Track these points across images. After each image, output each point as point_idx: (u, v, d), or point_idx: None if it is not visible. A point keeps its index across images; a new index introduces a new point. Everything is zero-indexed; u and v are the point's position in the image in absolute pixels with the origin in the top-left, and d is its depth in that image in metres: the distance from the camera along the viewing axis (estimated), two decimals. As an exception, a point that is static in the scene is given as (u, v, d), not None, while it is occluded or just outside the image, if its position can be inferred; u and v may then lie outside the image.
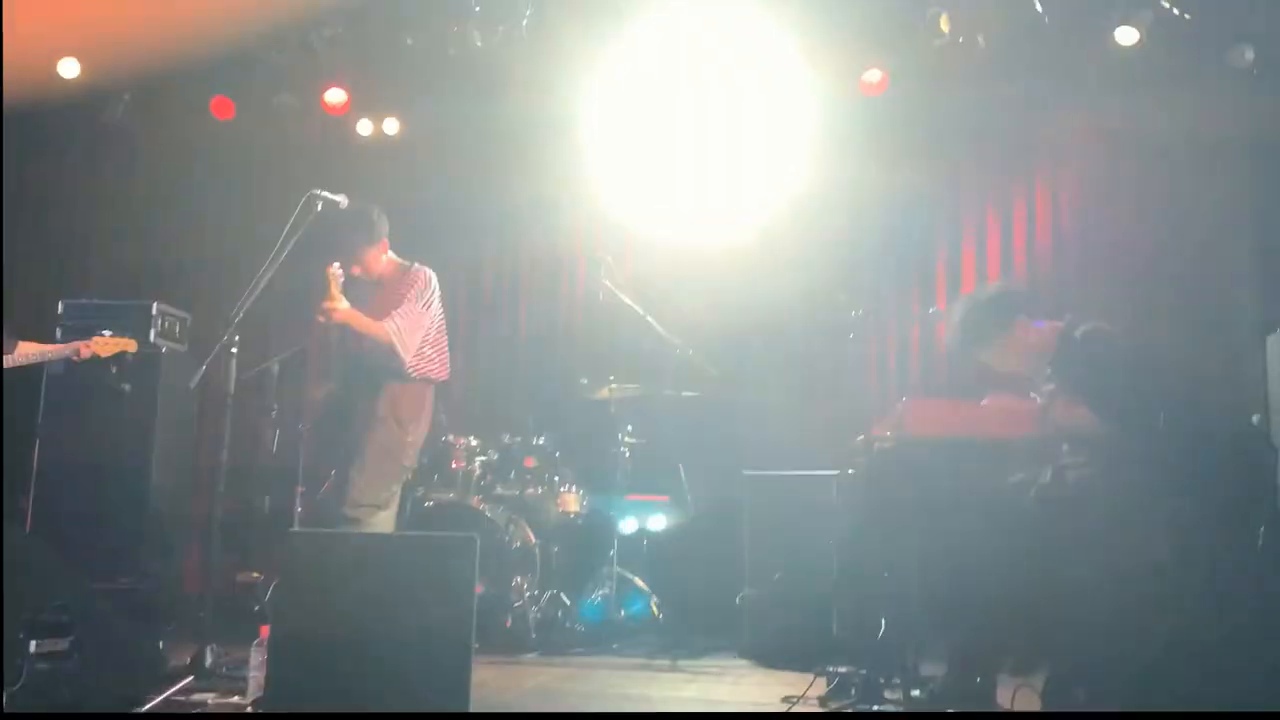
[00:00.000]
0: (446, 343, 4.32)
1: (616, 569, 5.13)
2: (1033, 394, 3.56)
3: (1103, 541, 3.40)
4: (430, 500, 5.21)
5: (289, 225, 3.54)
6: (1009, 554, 3.32)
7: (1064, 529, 3.26)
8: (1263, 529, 4.39)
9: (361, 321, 4.02)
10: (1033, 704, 3.06)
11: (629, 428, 5.55)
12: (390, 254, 4.24)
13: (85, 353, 4.56)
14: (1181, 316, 5.91)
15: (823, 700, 3.33)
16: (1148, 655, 2.27)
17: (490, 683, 3.76)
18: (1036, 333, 3.52)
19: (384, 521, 3.93)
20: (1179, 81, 5.85)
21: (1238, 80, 5.74)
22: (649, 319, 5.81)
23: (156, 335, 5.88)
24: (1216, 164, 5.98)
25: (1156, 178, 6.09)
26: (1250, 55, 5.56)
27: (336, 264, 3.99)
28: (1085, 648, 2.48)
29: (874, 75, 6.07)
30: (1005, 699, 3.29)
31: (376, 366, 4.11)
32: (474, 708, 2.86)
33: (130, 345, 4.69)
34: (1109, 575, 2.58)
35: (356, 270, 4.17)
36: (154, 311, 5.90)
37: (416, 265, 4.22)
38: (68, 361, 5.69)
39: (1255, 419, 5.13)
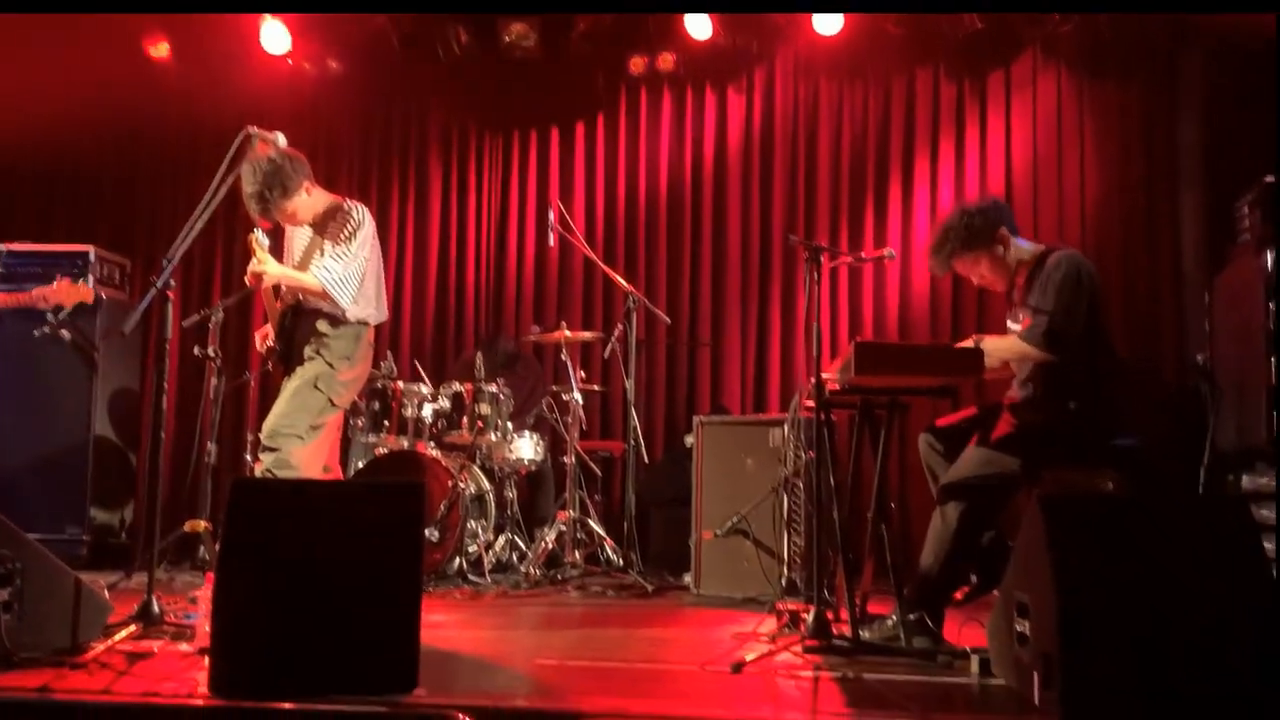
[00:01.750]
0: (382, 283, 4.20)
1: (571, 512, 5.15)
2: (1011, 324, 3.58)
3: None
4: (382, 447, 5.18)
5: (225, 164, 3.43)
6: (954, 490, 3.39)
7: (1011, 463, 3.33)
8: (1203, 468, 4.53)
9: (291, 278, 3.94)
10: (978, 638, 3.13)
11: (581, 374, 5.53)
12: (319, 193, 4.09)
13: (52, 300, 4.49)
14: (1132, 257, 6.01)
15: (773, 637, 3.37)
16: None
17: (446, 625, 3.77)
18: (1016, 247, 3.57)
19: (306, 456, 3.84)
20: (1135, 21, 5.86)
21: (1193, 23, 5.76)
22: (600, 264, 5.78)
23: (95, 282, 5.74)
24: (1170, 106, 6.03)
25: (1109, 117, 6.13)
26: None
27: (257, 230, 3.89)
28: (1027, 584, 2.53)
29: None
30: (951, 634, 3.38)
31: (311, 310, 4.03)
32: (431, 650, 2.86)
33: (88, 295, 4.62)
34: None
35: (283, 221, 4.06)
36: (92, 257, 5.77)
37: (348, 203, 4.09)
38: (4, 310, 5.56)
39: (1200, 358, 5.25)
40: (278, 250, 4.08)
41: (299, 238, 4.13)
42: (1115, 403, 3.47)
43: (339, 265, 3.94)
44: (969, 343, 3.43)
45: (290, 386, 3.95)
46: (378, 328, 4.27)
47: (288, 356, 4.04)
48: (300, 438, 3.84)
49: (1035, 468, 3.38)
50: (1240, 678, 2.23)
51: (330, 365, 3.96)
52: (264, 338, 4.16)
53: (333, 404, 3.96)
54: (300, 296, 4.03)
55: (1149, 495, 2.93)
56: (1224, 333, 5.06)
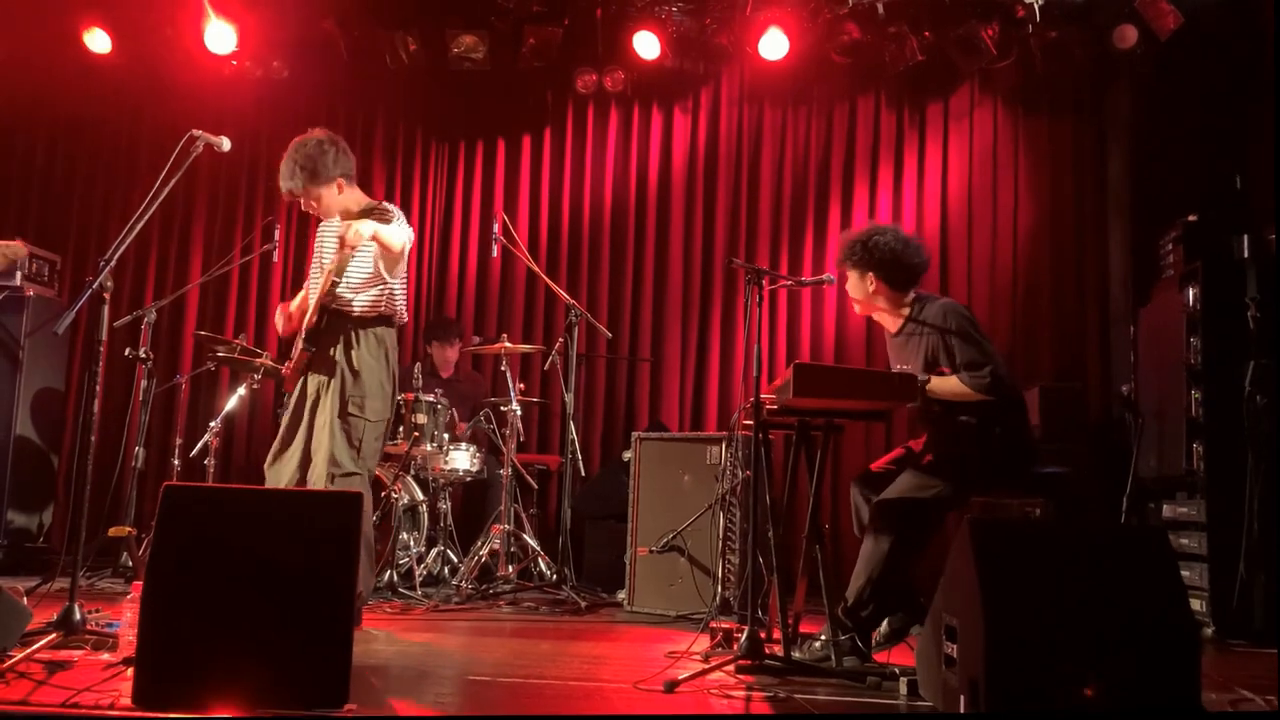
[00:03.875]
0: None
1: (505, 526, 5.12)
2: (901, 367, 3.68)
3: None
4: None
5: (168, 167, 3.36)
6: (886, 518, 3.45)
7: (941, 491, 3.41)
8: (1126, 496, 4.68)
9: (382, 232, 3.79)
10: (907, 659, 3.19)
11: (521, 386, 5.52)
12: (354, 193, 4.02)
13: None
14: (1062, 288, 6.18)
15: (705, 656, 3.39)
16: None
17: (377, 639, 3.73)
18: (894, 297, 3.68)
19: (369, 479, 3.85)
20: (1068, 58, 6.04)
21: (1122, 61, 5.97)
22: (544, 276, 5.78)
23: (23, 278, 5.58)
24: (1099, 142, 6.23)
25: (1042, 151, 6.32)
26: (1134, 37, 5.78)
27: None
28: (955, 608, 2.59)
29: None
30: (880, 656, 3.43)
31: (343, 313, 3.93)
32: (360, 663, 2.83)
33: (19, 251, 4.46)
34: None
35: (307, 205, 3.98)
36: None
37: (387, 203, 4.04)
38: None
39: (1125, 388, 5.42)
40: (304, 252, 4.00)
41: (330, 236, 4.01)
42: (1031, 430, 3.57)
43: (399, 228, 3.88)
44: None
45: (324, 424, 3.85)
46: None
47: (319, 359, 3.93)
48: (355, 474, 3.79)
49: (964, 491, 3.47)
50: (1157, 700, 2.31)
51: (353, 379, 3.88)
52: (289, 318, 4.04)
53: (371, 421, 3.88)
54: (334, 297, 3.91)
55: (1074, 523, 3.02)
56: (1147, 364, 5.23)
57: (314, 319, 3.88)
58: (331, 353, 3.90)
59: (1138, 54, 5.85)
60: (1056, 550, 2.52)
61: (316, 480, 3.77)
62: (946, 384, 3.49)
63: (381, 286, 3.94)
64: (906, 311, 3.68)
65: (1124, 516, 4.64)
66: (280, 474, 3.89)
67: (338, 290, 3.88)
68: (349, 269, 3.90)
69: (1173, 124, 5.74)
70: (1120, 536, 2.69)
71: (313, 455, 3.84)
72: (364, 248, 3.86)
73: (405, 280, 4.08)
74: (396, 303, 4.01)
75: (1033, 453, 3.62)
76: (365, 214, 3.93)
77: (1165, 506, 4.86)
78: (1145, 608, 2.40)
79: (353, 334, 3.92)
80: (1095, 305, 6.13)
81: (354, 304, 3.92)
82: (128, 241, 3.25)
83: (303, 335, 3.91)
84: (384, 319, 3.98)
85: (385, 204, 4.02)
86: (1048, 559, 2.49)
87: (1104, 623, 2.38)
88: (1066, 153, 6.29)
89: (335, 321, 3.92)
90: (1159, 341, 5.05)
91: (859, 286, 3.72)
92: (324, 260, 3.99)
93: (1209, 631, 4.35)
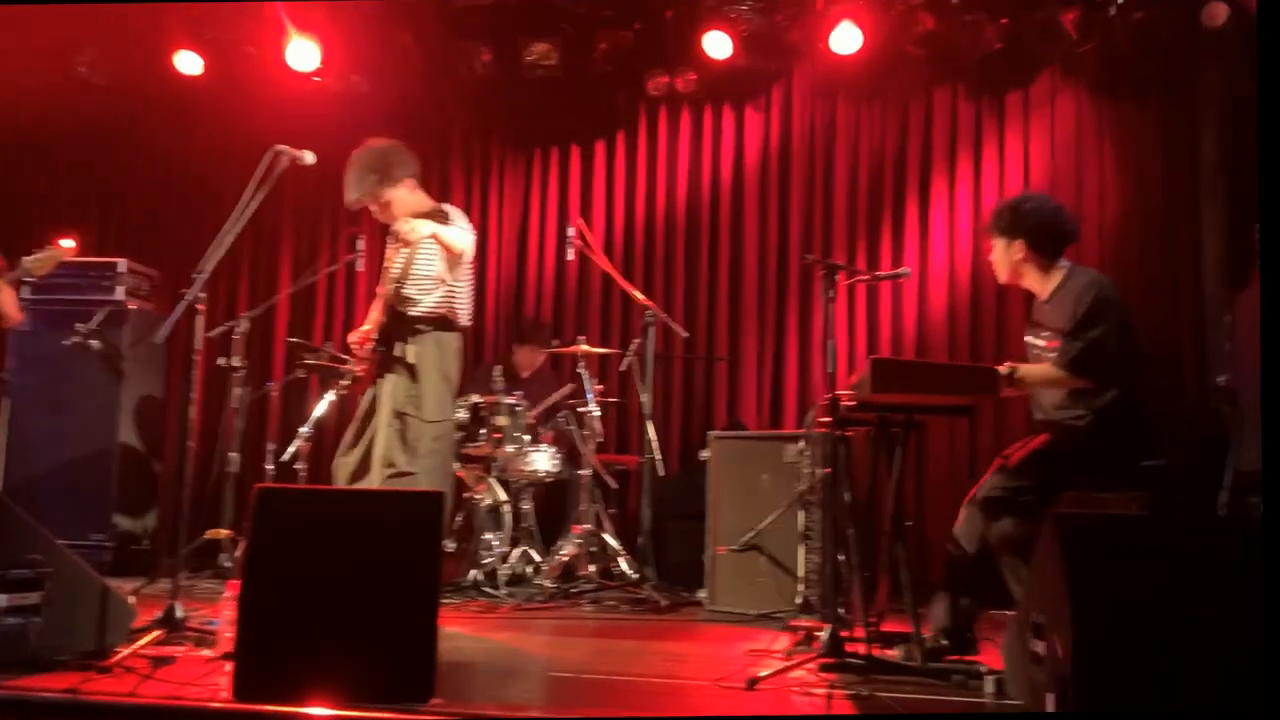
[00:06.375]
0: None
1: (586, 526, 5.17)
2: (1030, 338, 3.60)
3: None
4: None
5: (253, 181, 3.49)
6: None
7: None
8: (1224, 493, 4.51)
9: (443, 233, 3.94)
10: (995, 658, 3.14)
11: (599, 387, 5.57)
12: (423, 195, 4.13)
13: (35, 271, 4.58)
14: (1152, 277, 5.99)
15: (787, 654, 3.39)
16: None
17: (461, 636, 3.80)
18: (1041, 264, 3.60)
19: (424, 481, 3.94)
20: (1155, 39, 5.86)
21: (1212, 40, 5.76)
22: (619, 279, 5.82)
23: (124, 293, 5.83)
24: (1190, 124, 6.02)
25: (1128, 136, 6.13)
26: (1224, 15, 5.57)
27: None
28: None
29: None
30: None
31: (408, 316, 4.06)
32: (447, 660, 2.90)
33: (62, 253, 4.68)
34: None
35: (377, 211, 4.09)
36: (121, 269, 5.84)
37: (445, 206, 4.17)
38: (34, 318, 5.63)
39: (1221, 380, 5.23)
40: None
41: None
42: (1145, 426, 3.45)
43: (460, 229, 4.00)
44: (1003, 369, 3.41)
45: (381, 424, 4.00)
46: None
47: (384, 358, 4.09)
48: (409, 473, 3.91)
49: (1053, 488, 3.38)
50: (1249, 701, 2.24)
51: (410, 379, 4.00)
52: (363, 340, 4.18)
53: (427, 421, 3.99)
54: (397, 299, 4.05)
55: (1163, 517, 2.93)
56: (1247, 353, 5.03)
57: (382, 319, 4.02)
58: (393, 353, 4.03)
59: (1229, 31, 5.64)
60: (1145, 545, 2.45)
61: (371, 479, 3.88)
62: (1037, 370, 3.40)
63: (445, 289, 4.04)
64: (1059, 278, 3.59)
65: (1223, 511, 4.48)
66: (341, 470, 4.03)
67: (403, 291, 3.99)
68: (415, 270, 4.01)
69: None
70: (1211, 531, 2.61)
71: (372, 455, 3.97)
72: (427, 249, 3.96)
73: (470, 283, 4.15)
74: (459, 305, 4.10)
75: (1144, 448, 3.46)
76: (431, 215, 4.05)
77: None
78: (1236, 603, 2.32)
79: (413, 334, 4.03)
80: (1188, 294, 5.92)
81: (418, 305, 4.04)
82: (219, 254, 3.38)
83: (374, 337, 4.05)
84: (445, 321, 4.07)
85: (445, 206, 4.12)
86: (1135, 554, 2.43)
87: (1194, 618, 2.31)
88: (1154, 138, 6.08)
89: (399, 322, 4.05)
90: (1259, 328, 4.85)
91: (1004, 254, 3.64)
92: (393, 267, 4.12)
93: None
